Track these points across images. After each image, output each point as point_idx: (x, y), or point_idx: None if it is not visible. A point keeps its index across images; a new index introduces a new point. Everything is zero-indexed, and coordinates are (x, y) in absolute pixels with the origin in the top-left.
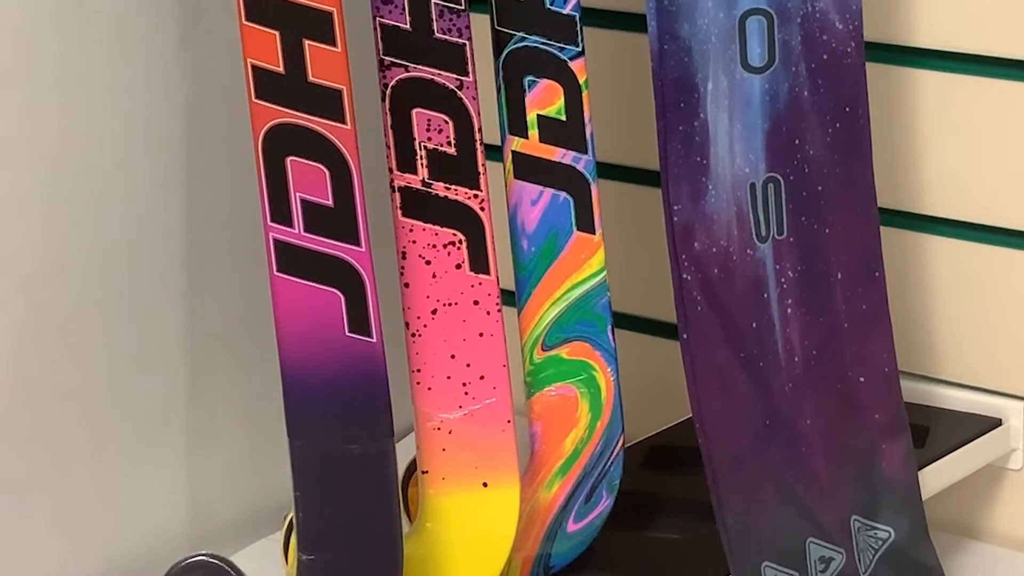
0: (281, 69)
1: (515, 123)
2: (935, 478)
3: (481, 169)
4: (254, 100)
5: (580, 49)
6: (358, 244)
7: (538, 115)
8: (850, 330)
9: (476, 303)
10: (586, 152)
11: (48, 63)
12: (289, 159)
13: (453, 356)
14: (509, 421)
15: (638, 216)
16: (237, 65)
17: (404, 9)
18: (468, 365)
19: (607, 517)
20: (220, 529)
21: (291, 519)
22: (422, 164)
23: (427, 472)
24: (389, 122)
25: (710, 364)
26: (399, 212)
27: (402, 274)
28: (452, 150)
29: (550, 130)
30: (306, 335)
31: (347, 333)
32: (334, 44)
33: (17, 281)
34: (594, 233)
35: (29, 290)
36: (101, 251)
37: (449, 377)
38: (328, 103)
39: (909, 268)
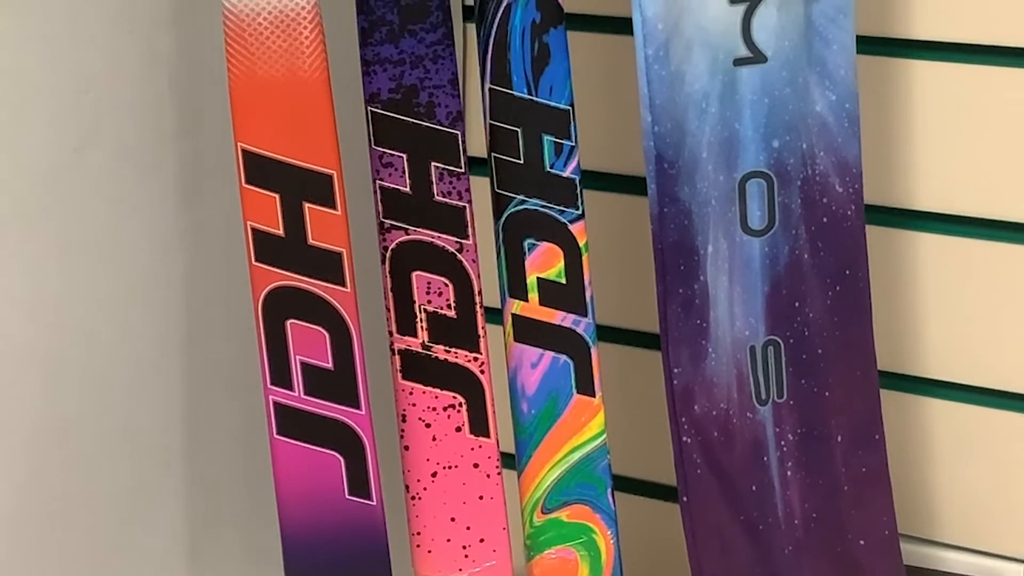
0: (281, 232)
1: (515, 286)
2: None
3: (481, 332)
4: (254, 263)
5: (580, 212)
6: (358, 407)
7: (538, 278)
8: (850, 493)
9: (476, 466)
10: (586, 315)
11: (48, 223)
12: (289, 322)
13: (453, 519)
14: None
15: (638, 379)
16: (237, 227)
17: (404, 172)
18: (468, 528)
19: None
20: None
21: None
22: (422, 327)
23: None
24: (389, 284)
25: (710, 526)
26: (399, 375)
27: (402, 436)
28: (452, 313)
29: (550, 293)
30: (306, 497)
31: (347, 496)
32: (334, 207)
33: (17, 444)
34: (594, 396)
35: (29, 453)
36: (101, 414)
37: (449, 540)
38: (328, 266)
39: (909, 430)
